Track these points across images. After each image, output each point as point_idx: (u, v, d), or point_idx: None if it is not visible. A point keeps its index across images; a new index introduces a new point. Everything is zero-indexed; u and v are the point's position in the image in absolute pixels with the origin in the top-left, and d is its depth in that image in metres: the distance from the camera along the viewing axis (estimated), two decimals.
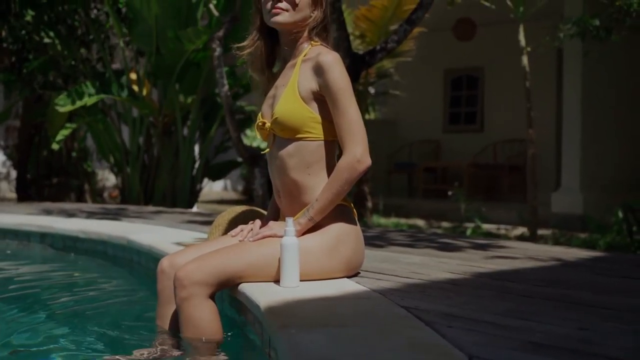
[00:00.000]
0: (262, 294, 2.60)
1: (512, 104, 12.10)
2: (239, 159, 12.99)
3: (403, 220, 10.01)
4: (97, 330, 3.18)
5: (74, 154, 10.52)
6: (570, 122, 10.04)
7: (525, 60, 8.55)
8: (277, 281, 2.79)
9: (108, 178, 13.59)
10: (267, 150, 3.01)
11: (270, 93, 3.02)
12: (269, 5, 2.88)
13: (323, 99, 2.84)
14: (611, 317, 2.34)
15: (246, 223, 3.16)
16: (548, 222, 9.60)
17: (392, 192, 13.27)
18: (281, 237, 2.76)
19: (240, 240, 2.98)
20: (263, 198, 6.78)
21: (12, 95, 9.08)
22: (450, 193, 9.64)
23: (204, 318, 2.69)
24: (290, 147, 2.87)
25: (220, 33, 6.78)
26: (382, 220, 9.77)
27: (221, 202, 13.84)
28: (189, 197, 8.94)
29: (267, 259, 2.79)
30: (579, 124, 9.92)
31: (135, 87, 8.91)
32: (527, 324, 2.21)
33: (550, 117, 11.95)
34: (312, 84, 2.84)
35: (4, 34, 8.78)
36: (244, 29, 8.68)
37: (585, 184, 9.92)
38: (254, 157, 6.82)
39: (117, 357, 2.66)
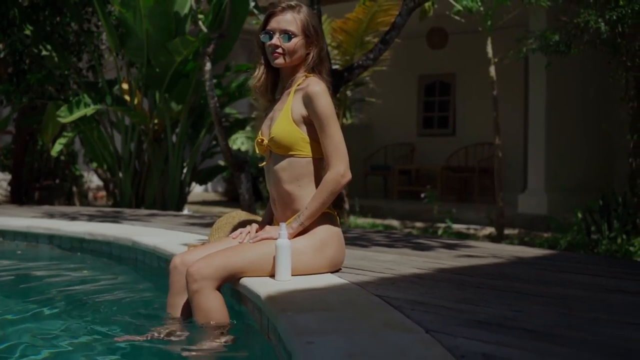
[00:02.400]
0: (261, 286, 3.14)
1: (483, 109, 12.43)
2: (220, 162, 13.48)
3: (379, 221, 10.44)
4: (107, 318, 3.66)
5: (62, 158, 10.96)
6: (536, 128, 10.50)
7: (492, 70, 9.08)
8: (272, 276, 3.33)
9: (91, 180, 14.03)
10: (265, 163, 3.58)
11: (269, 115, 3.58)
12: (270, 49, 3.45)
13: (311, 122, 3.39)
14: (541, 303, 2.94)
15: (243, 226, 3.74)
16: (515, 222, 10.06)
17: (368, 194, 13.68)
18: (276, 239, 3.32)
19: (240, 242, 3.55)
20: (249, 201, 7.27)
21: (12, 104, 9.49)
22: (423, 195, 9.99)
23: (213, 306, 3.22)
24: (284, 163, 3.43)
25: (210, 49, 7.27)
26: (359, 221, 10.18)
27: (204, 203, 14.17)
28: (178, 200, 9.44)
29: (264, 257, 3.34)
30: (544, 130, 10.38)
31: (127, 97, 9.41)
32: (474, 307, 2.80)
33: (518, 122, 12.40)
34: (302, 110, 3.39)
35: (1, 46, 9.22)
36: (230, 45, 9.22)
37: (549, 186, 10.38)
38: (241, 164, 7.31)
39: (128, 336, 3.20)
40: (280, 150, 3.44)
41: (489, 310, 2.76)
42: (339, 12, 10.68)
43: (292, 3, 3.49)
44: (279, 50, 3.43)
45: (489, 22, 9.03)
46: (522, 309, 2.79)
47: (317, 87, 3.36)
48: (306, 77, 3.48)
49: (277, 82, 3.63)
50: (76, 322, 3.61)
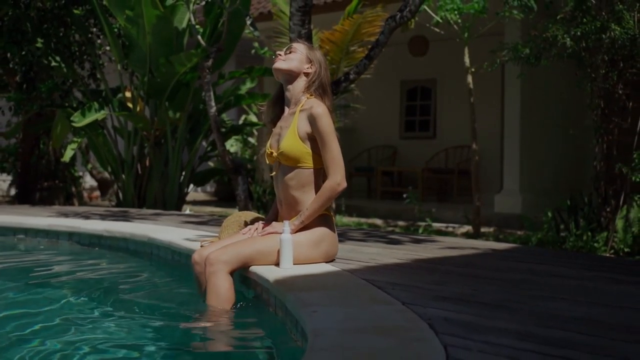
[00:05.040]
0: (269, 273, 3.84)
1: (462, 113, 12.67)
2: (211, 164, 14.11)
3: (363, 220, 11.04)
4: (130, 300, 4.35)
5: (62, 160, 11.56)
6: (511, 132, 11.07)
7: (469, 78, 9.72)
8: (277, 264, 4.02)
9: (85, 181, 14.64)
10: (274, 173, 4.25)
11: (276, 130, 4.24)
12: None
13: (314, 138, 4.06)
14: (495, 284, 3.67)
15: (251, 224, 4.43)
16: (491, 221, 10.62)
17: (353, 194, 14.08)
18: (280, 234, 4.00)
19: (249, 237, 4.24)
20: (245, 201, 7.92)
21: (23, 111, 10.11)
22: (405, 195, 10.46)
23: (224, 287, 3.86)
24: (292, 173, 4.11)
25: (209, 62, 7.94)
26: (345, 220, 10.81)
27: (195, 203, 14.56)
28: (177, 201, 10.10)
29: (270, 248, 4.03)
30: (518, 134, 10.93)
31: (130, 104, 10.07)
32: (441, 287, 3.52)
33: (495, 126, 12.78)
34: (307, 128, 4.06)
35: (9, 55, 9.83)
36: (227, 57, 9.83)
37: (524, 187, 10.95)
38: (238, 167, 7.95)
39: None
40: (289, 162, 4.11)
41: (453, 289, 3.48)
42: (327, 22, 11.21)
43: (311, 45, 4.24)
44: (280, 57, 4.16)
45: (466, 35, 9.68)
46: (479, 289, 3.52)
47: (320, 109, 4.02)
48: (308, 98, 4.14)
49: (282, 106, 4.32)
50: (96, 308, 4.24)
